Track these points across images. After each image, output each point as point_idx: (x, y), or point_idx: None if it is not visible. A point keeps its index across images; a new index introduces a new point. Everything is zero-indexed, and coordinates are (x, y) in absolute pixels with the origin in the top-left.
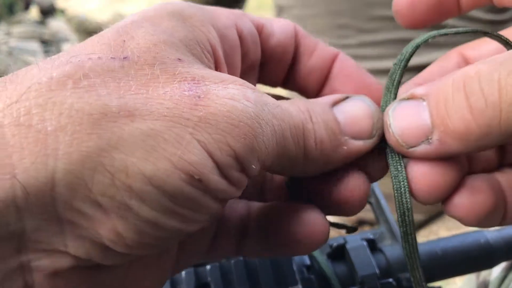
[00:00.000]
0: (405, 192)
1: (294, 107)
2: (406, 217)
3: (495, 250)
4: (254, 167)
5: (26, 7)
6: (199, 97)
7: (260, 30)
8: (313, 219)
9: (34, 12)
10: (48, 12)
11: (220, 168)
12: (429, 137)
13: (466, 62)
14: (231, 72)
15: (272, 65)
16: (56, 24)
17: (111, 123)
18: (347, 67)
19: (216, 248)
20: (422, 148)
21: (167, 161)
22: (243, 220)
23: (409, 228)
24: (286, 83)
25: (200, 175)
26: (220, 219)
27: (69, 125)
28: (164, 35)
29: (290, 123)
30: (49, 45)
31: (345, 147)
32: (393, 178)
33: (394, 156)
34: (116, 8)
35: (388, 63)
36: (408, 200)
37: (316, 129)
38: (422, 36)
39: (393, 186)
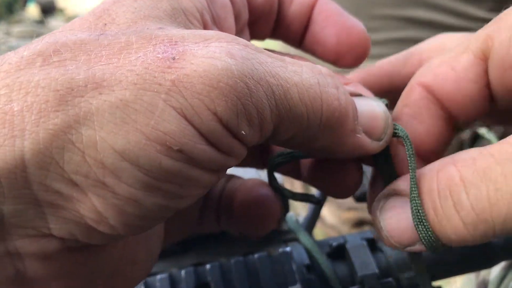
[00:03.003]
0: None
1: (309, 69)
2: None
3: (495, 249)
4: (244, 132)
5: (24, 3)
6: (173, 58)
7: None
8: (266, 201)
9: (33, 11)
10: (47, 11)
11: (205, 136)
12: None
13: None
14: None
15: (261, 21)
16: (55, 24)
17: (78, 98)
18: (327, 10)
19: (203, 221)
20: (419, 247)
21: (139, 133)
22: (220, 194)
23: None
24: (271, 34)
25: (180, 145)
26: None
27: (35, 104)
28: (145, 10)
29: (298, 83)
30: None
31: (359, 136)
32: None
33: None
34: None
35: None
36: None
37: (340, 96)
38: None
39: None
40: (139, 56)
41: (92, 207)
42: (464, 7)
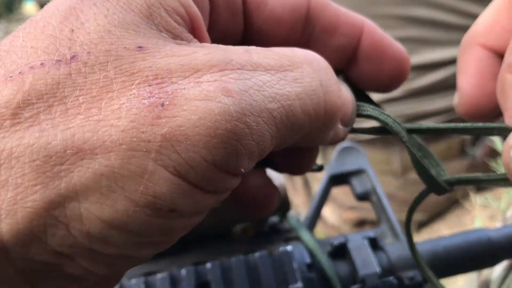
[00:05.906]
0: None
1: (311, 69)
2: None
3: (497, 248)
4: (243, 170)
5: (20, 0)
6: (162, 105)
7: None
8: (261, 183)
9: (33, 10)
10: None
11: (200, 186)
12: None
13: None
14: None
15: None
16: None
17: (57, 167)
18: (377, 42)
19: None
20: None
21: (127, 201)
22: None
23: None
24: None
25: (171, 206)
26: None
27: (10, 179)
28: (119, 13)
29: (300, 94)
30: None
31: (339, 126)
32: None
33: None
34: None
35: None
36: None
37: (339, 92)
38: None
39: None
40: (122, 104)
41: (79, 267)
42: (465, 5)
